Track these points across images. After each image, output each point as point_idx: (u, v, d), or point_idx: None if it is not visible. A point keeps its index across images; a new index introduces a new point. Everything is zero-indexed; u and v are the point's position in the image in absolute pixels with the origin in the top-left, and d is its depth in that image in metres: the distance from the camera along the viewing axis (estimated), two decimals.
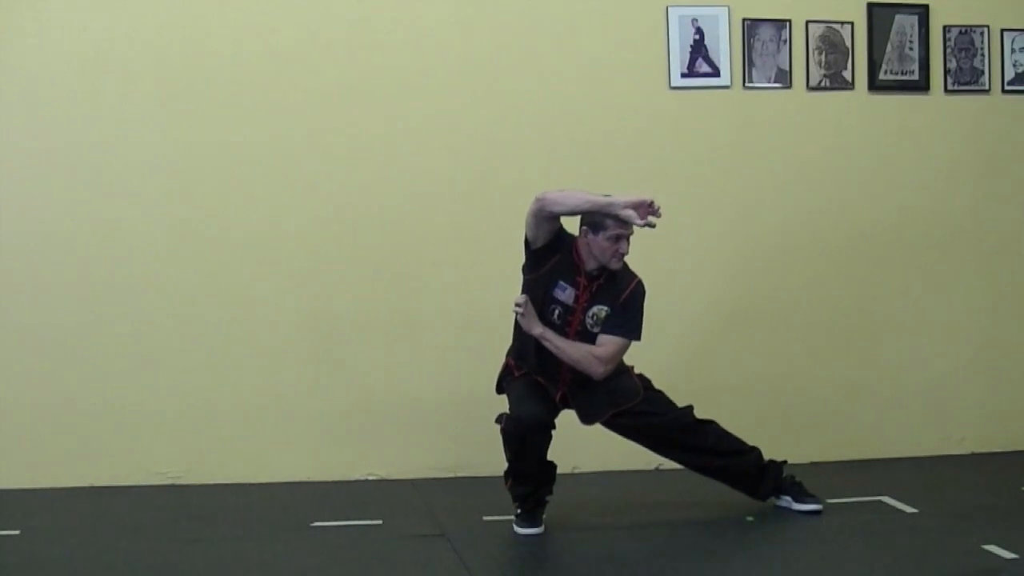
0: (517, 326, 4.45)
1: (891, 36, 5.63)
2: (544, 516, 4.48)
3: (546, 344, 4.38)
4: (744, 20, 5.53)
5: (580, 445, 4.89)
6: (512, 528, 4.44)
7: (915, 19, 5.64)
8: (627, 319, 4.42)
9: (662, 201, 4.31)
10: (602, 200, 4.28)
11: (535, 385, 4.47)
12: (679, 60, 5.50)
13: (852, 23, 5.61)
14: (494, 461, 4.50)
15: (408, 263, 5.39)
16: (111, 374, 5.21)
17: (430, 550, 4.23)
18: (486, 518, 4.61)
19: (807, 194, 5.61)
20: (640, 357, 4.57)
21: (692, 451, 4.60)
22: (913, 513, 4.61)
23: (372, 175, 5.36)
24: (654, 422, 4.52)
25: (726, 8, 5.52)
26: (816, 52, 5.59)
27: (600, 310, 4.42)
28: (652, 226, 4.27)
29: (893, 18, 5.63)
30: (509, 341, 4.58)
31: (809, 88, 5.61)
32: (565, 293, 4.41)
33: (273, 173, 5.31)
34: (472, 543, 4.30)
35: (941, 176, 5.71)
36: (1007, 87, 5.73)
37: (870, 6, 5.61)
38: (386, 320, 5.37)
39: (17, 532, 4.44)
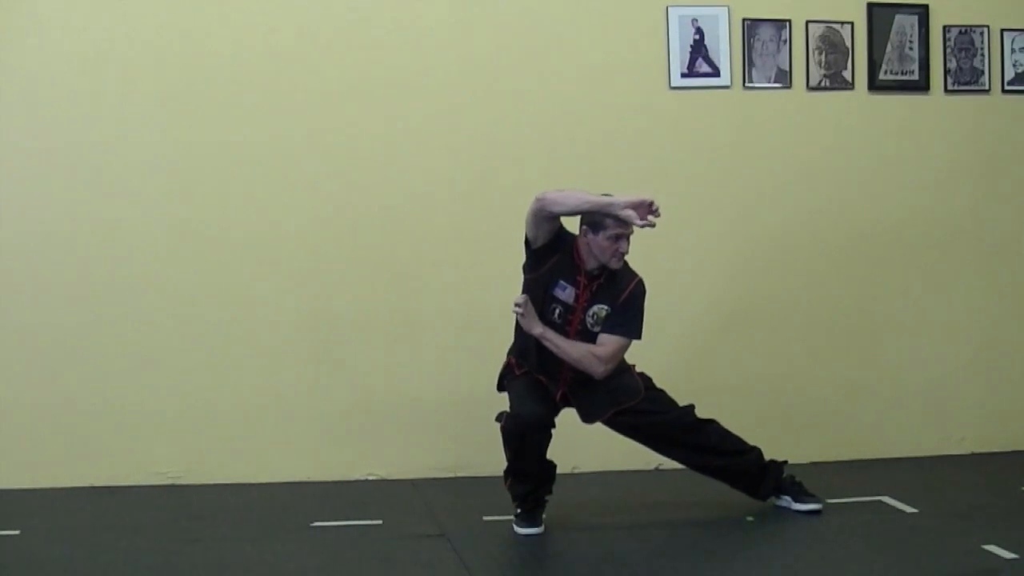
0: (518, 325, 4.45)
1: (891, 36, 5.63)
2: (544, 516, 4.48)
3: (546, 344, 4.38)
4: (744, 20, 5.53)
5: (580, 445, 4.89)
6: (512, 528, 4.44)
7: (915, 19, 5.64)
8: (627, 318, 4.42)
9: (662, 201, 4.31)
10: (602, 200, 4.28)
11: (536, 384, 4.47)
12: (679, 60, 5.50)
13: (852, 23, 5.61)
14: (494, 461, 4.50)
15: (408, 263, 5.39)
16: (111, 374, 5.21)
17: (430, 550, 4.23)
18: (486, 518, 4.61)
19: (807, 194, 5.61)
20: (640, 357, 4.57)
21: (693, 450, 4.60)
22: (913, 513, 4.61)
23: (372, 175, 5.36)
24: (655, 421, 4.52)
25: (726, 8, 5.52)
26: (816, 52, 5.59)
27: (600, 309, 4.42)
28: (652, 226, 4.27)
29: (893, 18, 5.63)
30: (509, 341, 4.58)
31: (809, 88, 5.61)
32: (565, 292, 4.41)
33: (273, 173, 5.31)
34: (472, 543, 4.30)
35: (941, 176, 5.71)
36: (1007, 87, 5.73)
37: (870, 6, 5.61)
38: (386, 320, 5.37)
39: (17, 532, 4.44)
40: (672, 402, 4.57)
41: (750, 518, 4.58)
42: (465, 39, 5.39)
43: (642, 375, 4.57)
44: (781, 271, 5.60)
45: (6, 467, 5.12)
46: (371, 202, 5.35)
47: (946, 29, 5.66)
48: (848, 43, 5.61)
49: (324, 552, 4.23)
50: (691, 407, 4.59)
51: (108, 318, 5.21)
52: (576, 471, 5.23)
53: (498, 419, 4.37)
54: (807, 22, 5.58)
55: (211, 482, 5.19)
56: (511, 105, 5.42)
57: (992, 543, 4.08)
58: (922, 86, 5.67)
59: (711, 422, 4.61)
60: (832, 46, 5.60)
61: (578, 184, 4.52)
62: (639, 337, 4.45)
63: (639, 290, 4.46)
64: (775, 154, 5.60)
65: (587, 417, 4.51)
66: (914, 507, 4.67)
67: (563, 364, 4.42)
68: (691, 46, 5.51)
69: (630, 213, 4.22)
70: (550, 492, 4.51)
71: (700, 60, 5.51)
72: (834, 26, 5.60)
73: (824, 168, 5.63)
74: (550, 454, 4.42)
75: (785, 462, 4.75)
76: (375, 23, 5.35)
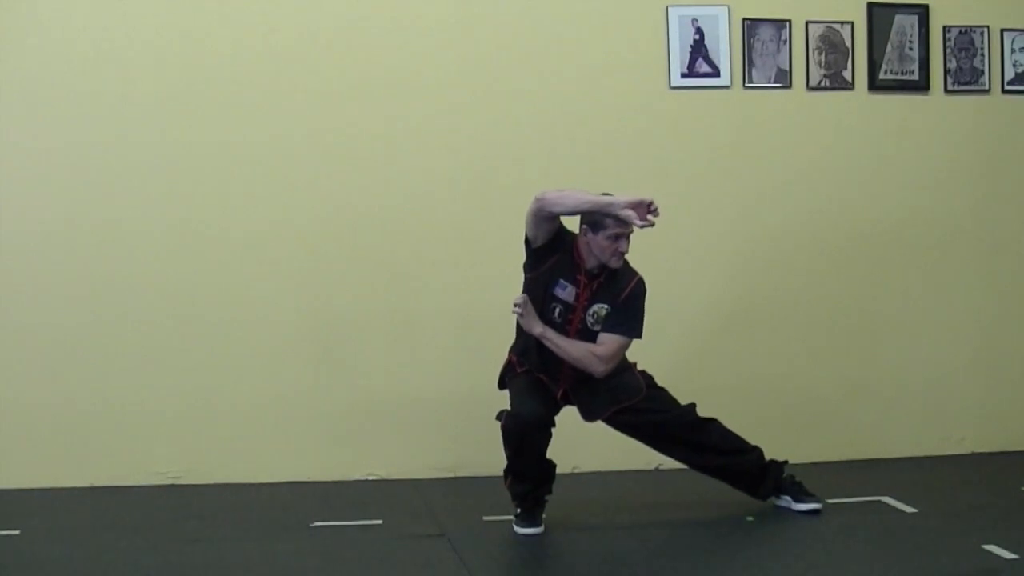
0: (519, 323, 4.46)
1: (891, 36, 5.63)
2: (544, 516, 4.48)
3: (546, 343, 4.39)
4: (744, 20, 5.53)
5: (580, 445, 4.89)
6: (512, 528, 4.44)
7: (915, 19, 5.64)
8: (628, 317, 4.42)
9: (662, 201, 4.31)
10: (601, 200, 4.28)
11: (537, 382, 4.47)
12: (679, 60, 5.50)
13: (852, 23, 5.61)
14: (494, 461, 4.50)
15: (408, 263, 5.39)
16: (111, 374, 5.21)
17: (430, 550, 4.23)
18: (486, 518, 4.61)
19: (807, 194, 5.61)
20: (641, 357, 4.58)
21: (694, 449, 4.60)
22: (913, 513, 4.61)
23: (372, 175, 5.36)
24: (656, 419, 4.52)
25: (726, 8, 5.52)
26: (816, 52, 5.59)
27: (601, 308, 4.42)
28: (651, 225, 4.27)
29: (893, 18, 5.64)
30: (509, 341, 4.59)
31: (809, 88, 5.61)
32: (566, 291, 4.41)
33: (273, 173, 5.31)
34: (472, 543, 4.29)
35: (941, 176, 5.71)
36: (1007, 87, 5.73)
37: (870, 6, 5.61)
38: (386, 320, 5.37)
39: (17, 532, 4.44)
40: (673, 401, 4.57)
41: (750, 518, 4.58)
42: (465, 39, 5.40)
43: (643, 373, 4.57)
44: (781, 271, 5.60)
45: (6, 467, 5.12)
46: (371, 202, 5.35)
47: (946, 29, 5.66)
48: (848, 43, 5.61)
49: (324, 552, 4.23)
50: (692, 406, 4.59)
51: (108, 318, 5.21)
52: (576, 471, 5.23)
53: (498, 417, 4.37)
54: (807, 22, 5.58)
55: (211, 482, 5.19)
56: (511, 105, 5.42)
57: (992, 543, 4.07)
58: (922, 86, 5.67)
59: (712, 421, 4.61)
60: (832, 46, 5.60)
61: (578, 184, 4.52)
62: (639, 336, 4.45)
63: (639, 289, 4.46)
64: (775, 154, 5.60)
65: (588, 415, 4.51)
66: (914, 507, 4.66)
67: (564, 363, 4.42)
68: (691, 46, 5.51)
69: (629, 213, 4.22)
70: (550, 492, 4.51)
71: (700, 60, 5.51)
72: (834, 26, 5.60)
73: (824, 168, 5.63)
74: (550, 454, 4.42)
75: (785, 462, 4.74)
76: (375, 23, 5.35)
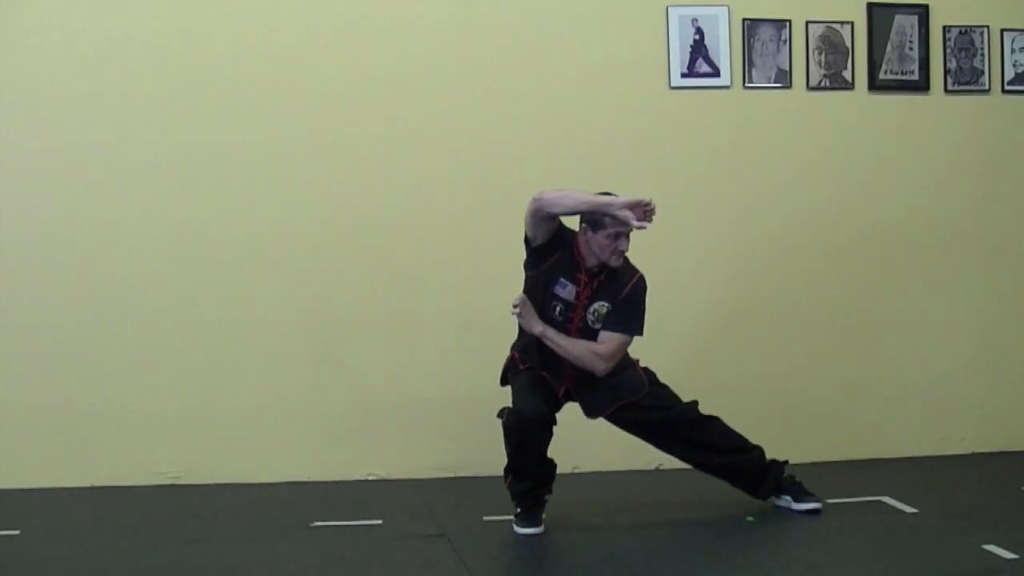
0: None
1: (891, 36, 5.63)
2: (544, 516, 4.48)
3: (547, 342, 4.39)
4: (744, 20, 5.53)
5: (580, 444, 4.90)
6: (512, 528, 4.44)
7: (915, 19, 5.65)
8: (628, 315, 4.42)
9: (662, 201, 4.31)
10: (599, 200, 4.28)
11: (539, 380, 4.47)
12: (679, 60, 5.51)
13: (852, 23, 5.61)
14: (494, 461, 4.50)
15: (408, 263, 5.39)
16: (111, 374, 5.21)
17: (430, 550, 4.23)
18: (486, 518, 4.61)
19: (807, 194, 5.61)
20: (641, 356, 4.58)
21: (695, 447, 4.60)
22: (913, 513, 4.61)
23: (372, 175, 5.36)
24: (658, 417, 4.52)
25: (726, 8, 5.52)
26: (816, 52, 5.59)
27: (601, 306, 4.42)
28: (644, 228, 4.27)
29: (893, 18, 5.64)
30: (509, 340, 4.59)
31: (809, 88, 5.61)
32: (566, 290, 4.41)
33: (273, 173, 5.31)
34: (472, 543, 4.29)
35: (941, 176, 5.71)
36: (1007, 87, 5.73)
37: (870, 6, 5.61)
38: (386, 320, 5.37)
39: (17, 532, 4.44)
40: (675, 398, 4.57)
41: (750, 518, 4.58)
42: (465, 39, 5.40)
43: (646, 370, 4.57)
44: (781, 271, 5.60)
45: (6, 467, 5.12)
46: (371, 202, 5.35)
47: (946, 29, 5.66)
48: (848, 43, 5.61)
49: (324, 552, 4.23)
50: (694, 403, 4.59)
51: (108, 318, 5.21)
52: (576, 471, 5.23)
53: (499, 415, 4.38)
54: (807, 22, 5.58)
55: (211, 482, 5.19)
56: (511, 105, 5.42)
57: (992, 543, 4.07)
58: (922, 86, 5.67)
59: (714, 419, 4.61)
60: (832, 46, 5.60)
61: (578, 184, 4.51)
62: (640, 334, 4.45)
63: (640, 286, 4.46)
64: (775, 154, 5.60)
65: (590, 412, 4.52)
66: (914, 507, 4.66)
67: (565, 360, 4.42)
68: (691, 46, 5.51)
69: (627, 214, 4.22)
70: (550, 491, 4.51)
71: (700, 60, 5.51)
72: (834, 26, 5.60)
73: (824, 168, 5.63)
74: (550, 453, 4.42)
75: (786, 462, 4.74)
76: (375, 23, 5.35)
